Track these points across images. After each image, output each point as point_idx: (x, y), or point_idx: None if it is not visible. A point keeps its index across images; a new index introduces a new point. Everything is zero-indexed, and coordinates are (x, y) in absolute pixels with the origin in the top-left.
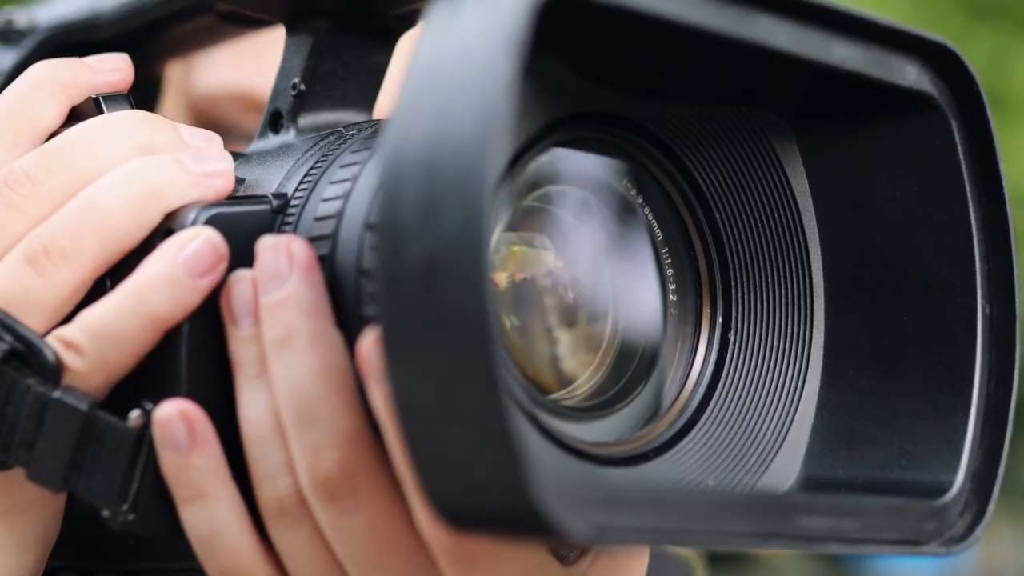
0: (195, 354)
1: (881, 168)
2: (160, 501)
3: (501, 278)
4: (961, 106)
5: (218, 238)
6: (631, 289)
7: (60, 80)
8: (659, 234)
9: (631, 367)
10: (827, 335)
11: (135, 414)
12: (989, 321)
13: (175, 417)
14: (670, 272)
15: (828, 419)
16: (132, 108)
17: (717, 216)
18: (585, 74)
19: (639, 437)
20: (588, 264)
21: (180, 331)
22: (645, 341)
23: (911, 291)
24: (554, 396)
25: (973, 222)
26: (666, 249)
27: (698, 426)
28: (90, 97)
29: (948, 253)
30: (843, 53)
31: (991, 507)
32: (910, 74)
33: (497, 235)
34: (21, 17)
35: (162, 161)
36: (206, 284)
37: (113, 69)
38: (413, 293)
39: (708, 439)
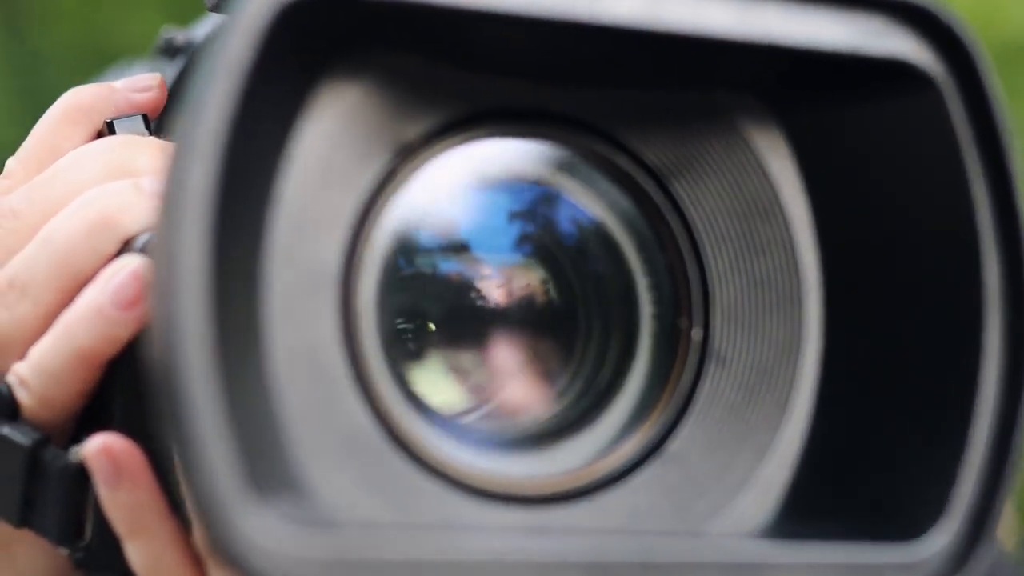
0: (131, 387)
1: (873, 151)
2: (109, 538)
3: (499, 293)
4: (959, 75)
5: (144, 267)
6: (605, 305)
7: (82, 107)
8: (631, 242)
9: (600, 389)
10: (822, 349)
11: (74, 450)
12: (1001, 324)
13: (98, 452)
14: (645, 282)
15: (814, 450)
16: (146, 128)
17: (689, 216)
18: (483, 69)
19: (586, 472)
20: (567, 279)
21: (119, 364)
22: (617, 363)
23: (913, 293)
24: (492, 424)
25: (977, 210)
26: (640, 257)
27: (655, 459)
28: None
29: (950, 247)
30: (771, 22)
31: (979, 555)
32: (873, 40)
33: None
34: (179, 36)
35: (119, 187)
36: (134, 316)
37: (140, 89)
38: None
39: (665, 475)
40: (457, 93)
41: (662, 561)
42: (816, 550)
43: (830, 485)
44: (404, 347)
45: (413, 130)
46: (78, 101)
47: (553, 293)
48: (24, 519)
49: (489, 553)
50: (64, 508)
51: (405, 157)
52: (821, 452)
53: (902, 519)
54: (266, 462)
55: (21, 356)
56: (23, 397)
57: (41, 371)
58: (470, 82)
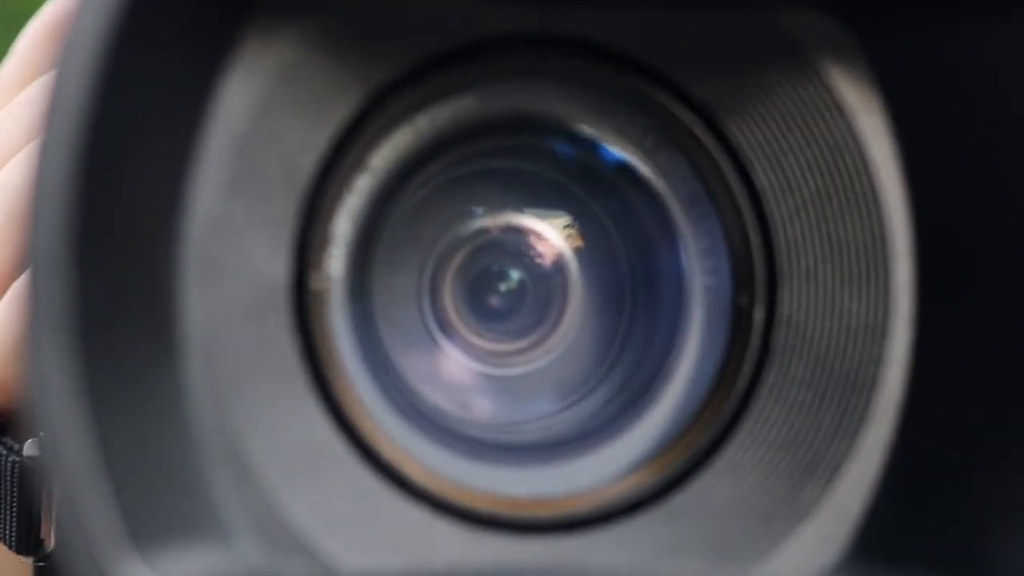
0: None
1: (974, 88)
2: None
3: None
4: None
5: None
6: (650, 280)
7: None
8: (676, 197)
9: (637, 388)
10: (912, 336)
11: (31, 443)
12: None
13: None
14: (696, 248)
15: (896, 469)
16: None
17: (748, 165)
18: None
19: (612, 490)
20: (604, 244)
21: None
22: (663, 348)
23: (1019, 267)
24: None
25: None
26: (689, 217)
27: (702, 473)
28: None
29: None
30: None
31: None
32: None
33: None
34: None
35: None
36: None
37: None
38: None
39: (711, 496)
40: (442, 24)
41: None
42: None
43: (911, 517)
44: (389, 334)
45: (385, 73)
46: (60, 17)
47: (587, 259)
48: None
49: None
50: (20, 511)
51: (377, 105)
52: (904, 472)
53: (998, 565)
54: (160, 511)
55: None
56: None
57: None
58: (460, 10)
